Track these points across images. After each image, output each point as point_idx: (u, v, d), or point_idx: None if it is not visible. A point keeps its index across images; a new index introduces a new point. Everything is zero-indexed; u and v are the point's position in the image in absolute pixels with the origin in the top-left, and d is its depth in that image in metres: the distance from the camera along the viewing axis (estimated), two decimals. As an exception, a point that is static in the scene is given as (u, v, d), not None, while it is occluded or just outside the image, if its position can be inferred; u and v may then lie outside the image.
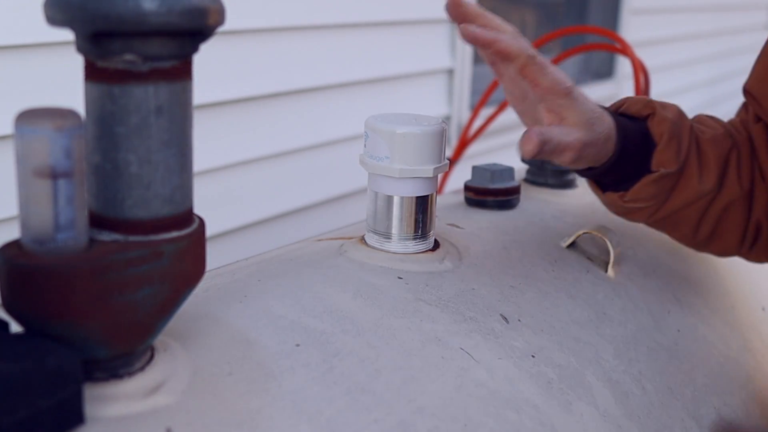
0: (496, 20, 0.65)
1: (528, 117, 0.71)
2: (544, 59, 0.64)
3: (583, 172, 0.72)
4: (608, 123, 0.68)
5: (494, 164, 0.83)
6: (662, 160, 0.71)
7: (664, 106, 0.73)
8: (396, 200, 0.64)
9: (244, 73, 1.41)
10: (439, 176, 0.67)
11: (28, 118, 0.35)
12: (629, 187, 0.72)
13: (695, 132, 0.75)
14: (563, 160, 0.65)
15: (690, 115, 0.77)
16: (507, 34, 0.64)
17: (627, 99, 0.74)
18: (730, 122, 0.81)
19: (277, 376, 0.47)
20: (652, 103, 0.72)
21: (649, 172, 0.71)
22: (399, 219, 0.65)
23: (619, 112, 0.74)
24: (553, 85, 0.64)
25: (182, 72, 0.40)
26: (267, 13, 1.43)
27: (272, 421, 0.43)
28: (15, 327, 0.40)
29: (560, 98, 0.65)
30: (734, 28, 3.76)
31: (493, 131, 1.81)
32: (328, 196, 1.64)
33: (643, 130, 0.72)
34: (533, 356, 0.58)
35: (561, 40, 2.54)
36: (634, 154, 0.71)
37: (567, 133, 0.65)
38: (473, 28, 0.62)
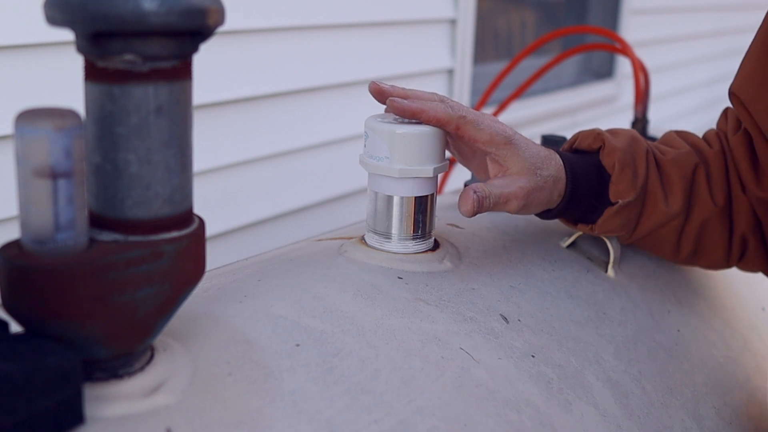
0: (424, 93, 0.66)
1: (481, 173, 0.72)
2: (477, 115, 0.65)
3: (541, 215, 0.72)
4: (555, 164, 0.68)
5: (494, 164, 0.82)
6: (618, 191, 0.71)
7: (616, 134, 0.73)
8: (396, 200, 0.64)
9: (244, 73, 1.41)
10: (439, 176, 0.67)
11: (28, 118, 0.35)
12: (596, 219, 0.72)
13: (654, 155, 0.74)
14: (509, 209, 0.66)
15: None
16: (434, 102, 0.65)
17: (579, 134, 0.74)
18: (706, 135, 0.80)
19: (277, 376, 0.47)
20: (601, 135, 0.72)
21: (611, 203, 0.71)
22: (399, 219, 0.65)
23: (573, 149, 0.74)
24: (491, 137, 0.65)
25: (182, 72, 0.40)
26: (267, 13, 1.43)
27: (272, 421, 0.43)
28: (15, 327, 0.40)
29: (501, 148, 0.65)
30: (734, 28, 3.76)
31: (493, 131, 1.80)
32: (328, 196, 1.64)
33: (597, 164, 0.72)
34: (533, 356, 0.58)
35: (561, 40, 2.54)
36: (590, 189, 0.71)
37: (509, 184, 0.65)
38: (400, 101, 0.63)
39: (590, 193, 0.71)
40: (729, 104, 0.78)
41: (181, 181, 0.42)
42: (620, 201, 0.71)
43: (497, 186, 0.65)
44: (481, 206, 0.63)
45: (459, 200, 0.63)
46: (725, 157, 0.77)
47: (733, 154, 0.76)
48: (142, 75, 0.39)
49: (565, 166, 0.69)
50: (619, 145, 0.71)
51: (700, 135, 0.82)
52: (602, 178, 0.71)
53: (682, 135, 0.80)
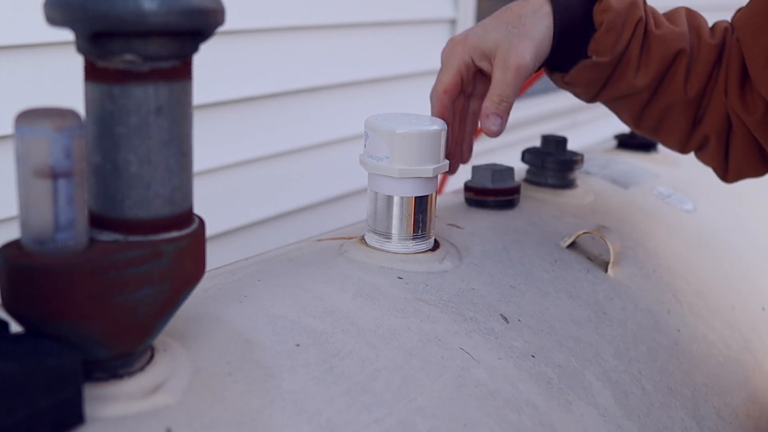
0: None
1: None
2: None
3: None
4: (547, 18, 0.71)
5: (494, 164, 0.83)
6: (597, 49, 0.71)
7: None
8: (396, 200, 0.64)
9: (244, 73, 1.41)
10: (439, 176, 0.67)
11: (28, 118, 0.35)
12: (569, 69, 0.74)
13: (646, 26, 0.74)
14: (524, 67, 0.69)
15: None
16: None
17: None
18: (715, 25, 0.79)
19: (277, 376, 0.47)
20: None
21: (587, 56, 0.72)
22: (399, 219, 0.65)
23: None
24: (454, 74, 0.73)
25: (182, 72, 0.40)
26: (267, 13, 1.43)
27: (272, 421, 0.43)
28: (15, 327, 0.40)
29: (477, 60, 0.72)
30: (734, 28, 3.76)
31: (493, 131, 1.80)
32: (328, 196, 1.64)
33: (589, 12, 0.72)
34: (533, 356, 0.58)
35: (561, 40, 2.53)
36: (575, 36, 0.72)
37: (503, 67, 0.69)
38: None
39: (576, 39, 0.72)
40: None
41: (181, 181, 0.42)
42: (594, 57, 0.71)
43: (496, 82, 0.69)
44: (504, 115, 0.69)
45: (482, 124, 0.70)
46: (721, 53, 0.76)
47: (731, 52, 0.75)
48: (142, 75, 0.39)
49: (552, 13, 0.71)
50: (615, 6, 0.72)
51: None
52: (589, 30, 0.72)
53: (691, 15, 0.79)
